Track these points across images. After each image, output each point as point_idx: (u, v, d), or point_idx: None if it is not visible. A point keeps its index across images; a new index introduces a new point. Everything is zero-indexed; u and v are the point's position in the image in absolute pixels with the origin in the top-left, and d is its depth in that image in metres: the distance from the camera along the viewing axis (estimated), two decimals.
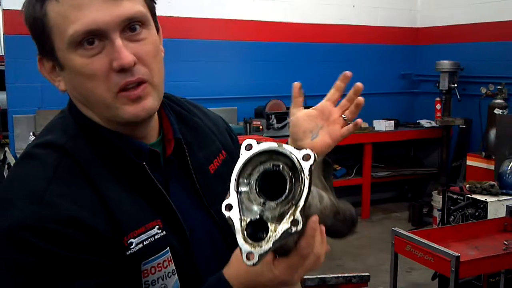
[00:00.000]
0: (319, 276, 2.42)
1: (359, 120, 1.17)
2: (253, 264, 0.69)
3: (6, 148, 4.90)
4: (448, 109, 5.78)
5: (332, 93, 1.21)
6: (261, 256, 0.69)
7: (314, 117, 1.16)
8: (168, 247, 0.92)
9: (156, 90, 0.91)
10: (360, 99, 1.20)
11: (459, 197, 3.60)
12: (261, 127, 5.25)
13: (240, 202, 0.72)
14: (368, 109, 6.42)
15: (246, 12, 5.60)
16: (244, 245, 0.70)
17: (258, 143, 0.73)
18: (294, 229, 0.69)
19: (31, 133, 4.18)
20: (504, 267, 2.90)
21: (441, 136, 5.96)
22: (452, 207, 3.59)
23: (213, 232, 1.02)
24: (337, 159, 6.05)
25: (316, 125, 1.14)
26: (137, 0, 0.88)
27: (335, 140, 1.13)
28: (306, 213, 0.74)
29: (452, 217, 3.57)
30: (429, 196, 5.79)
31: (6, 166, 4.47)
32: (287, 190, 0.71)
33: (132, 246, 0.88)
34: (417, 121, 6.43)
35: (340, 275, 2.46)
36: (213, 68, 5.43)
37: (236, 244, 0.75)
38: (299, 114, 1.17)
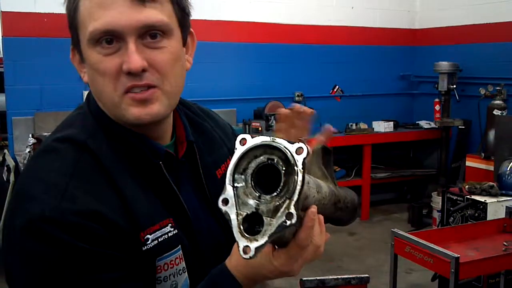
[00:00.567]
0: (318, 278, 2.41)
1: (328, 127, 1.24)
2: (250, 258, 0.70)
3: (5, 150, 4.90)
4: (447, 110, 5.78)
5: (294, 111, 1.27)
6: (257, 249, 0.70)
7: (282, 127, 1.25)
8: (180, 245, 0.95)
9: (166, 97, 0.92)
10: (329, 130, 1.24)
11: (458, 198, 3.60)
12: (260, 128, 5.25)
13: (236, 196, 0.73)
14: (367, 110, 6.47)
15: (244, 13, 5.60)
16: (240, 239, 0.71)
17: (252, 137, 0.74)
18: (288, 222, 0.71)
19: (30, 135, 4.17)
20: (504, 268, 2.90)
21: (441, 137, 5.96)
22: (451, 208, 3.59)
23: (218, 233, 1.05)
24: (337, 161, 6.05)
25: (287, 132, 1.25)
26: (165, 10, 0.90)
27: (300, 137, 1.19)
28: (303, 204, 0.75)
29: (452, 218, 3.57)
30: (428, 197, 5.78)
31: (5, 168, 4.47)
32: (281, 184, 0.72)
33: (148, 242, 0.90)
34: (416, 122, 6.43)
35: (339, 276, 2.45)
36: (212, 69, 5.42)
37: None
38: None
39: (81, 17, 0.89)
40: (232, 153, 1.12)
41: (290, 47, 5.88)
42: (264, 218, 0.72)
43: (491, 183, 3.62)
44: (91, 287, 0.83)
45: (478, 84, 5.62)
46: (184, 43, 0.97)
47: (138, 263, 0.89)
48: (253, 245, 0.71)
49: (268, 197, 0.73)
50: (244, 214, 0.72)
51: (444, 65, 5.68)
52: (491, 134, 5.04)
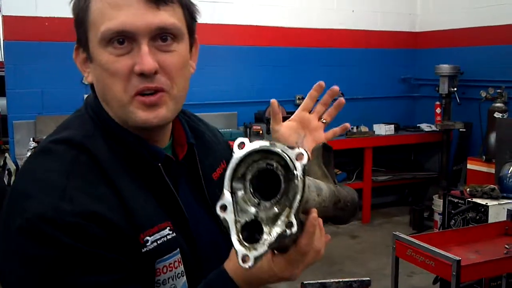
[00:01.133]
0: (319, 281, 2.41)
1: (346, 124, 1.24)
2: (249, 267, 0.68)
3: (6, 154, 4.91)
4: (448, 113, 5.78)
5: (307, 102, 1.25)
6: (256, 258, 0.68)
7: (295, 129, 1.19)
8: (178, 248, 0.94)
9: (173, 101, 0.92)
10: (340, 100, 1.23)
11: (459, 201, 3.59)
12: (261, 131, 5.25)
13: (234, 202, 0.71)
14: (368, 113, 6.47)
15: (246, 17, 5.61)
16: (239, 248, 0.69)
17: (251, 141, 0.71)
18: (289, 231, 0.68)
19: (31, 139, 4.18)
20: (505, 271, 2.90)
21: (441, 140, 5.95)
22: (453, 211, 3.58)
23: (217, 237, 1.04)
24: (338, 164, 6.04)
25: (299, 135, 1.18)
26: (176, 14, 0.91)
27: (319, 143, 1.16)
28: (303, 209, 0.73)
29: (453, 221, 3.56)
30: (429, 200, 5.78)
31: (6, 172, 4.47)
32: (281, 191, 0.70)
33: (148, 244, 0.89)
34: (417, 125, 6.43)
35: (340, 279, 2.45)
36: (212, 73, 5.43)
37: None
38: (281, 130, 1.20)
39: (93, 17, 0.89)
40: (223, 156, 1.14)
41: (291, 50, 5.89)
42: (263, 226, 0.69)
43: (492, 186, 3.62)
44: None
45: (479, 87, 5.62)
46: (191, 48, 0.98)
47: (137, 265, 0.88)
48: (252, 254, 0.68)
49: (267, 204, 0.70)
50: (243, 221, 0.70)
51: (445, 68, 5.69)
52: (492, 137, 5.04)
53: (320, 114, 1.24)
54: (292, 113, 5.10)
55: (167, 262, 0.92)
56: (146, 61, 0.86)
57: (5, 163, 4.69)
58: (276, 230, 0.69)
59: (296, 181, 0.69)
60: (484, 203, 3.46)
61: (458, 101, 5.66)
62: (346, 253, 4.92)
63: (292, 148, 0.70)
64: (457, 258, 2.41)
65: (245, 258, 0.68)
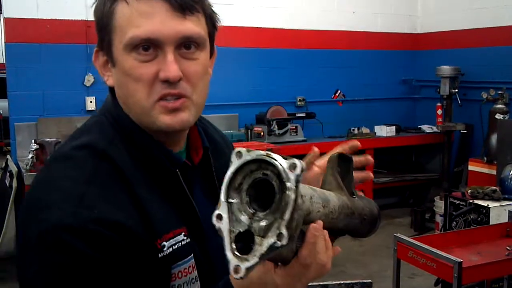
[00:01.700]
0: (321, 283, 2.41)
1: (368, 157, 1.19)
2: (241, 278, 0.68)
3: (8, 156, 4.91)
4: (449, 114, 5.78)
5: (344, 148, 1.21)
6: (248, 269, 0.68)
7: (316, 174, 1.16)
8: (192, 254, 0.95)
9: (194, 107, 0.94)
10: (368, 159, 1.17)
11: (461, 203, 3.59)
12: (262, 133, 5.25)
13: (230, 212, 0.71)
14: (369, 115, 6.46)
15: (246, 19, 5.62)
16: (231, 258, 0.69)
17: (248, 151, 0.71)
18: (279, 243, 0.67)
19: (33, 141, 4.18)
20: (507, 272, 2.89)
21: (443, 142, 5.95)
22: (454, 213, 3.58)
23: None
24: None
25: (317, 180, 1.19)
26: (200, 24, 0.93)
27: None
28: (305, 220, 0.73)
29: (454, 222, 3.56)
30: (431, 202, 5.77)
31: (8, 174, 4.48)
32: (274, 201, 0.69)
33: (164, 249, 0.91)
34: (418, 126, 6.43)
35: (342, 281, 2.45)
36: (214, 75, 5.38)
37: None
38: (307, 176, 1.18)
39: (118, 23, 0.90)
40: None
41: (292, 52, 5.90)
42: (255, 237, 0.69)
43: (493, 188, 3.61)
44: None
45: (480, 88, 5.62)
46: (211, 56, 1.00)
47: (154, 271, 0.89)
48: (244, 265, 0.68)
49: (261, 214, 0.70)
50: (237, 231, 0.70)
51: (446, 69, 5.69)
52: (493, 138, 5.04)
53: None
54: (293, 114, 5.11)
55: (182, 267, 0.93)
56: (172, 69, 0.88)
57: (6, 165, 4.70)
58: (268, 241, 0.68)
59: (288, 191, 0.68)
60: (485, 204, 3.45)
61: (459, 102, 5.66)
62: (348, 255, 4.92)
63: (287, 158, 0.69)
64: (459, 259, 2.41)
65: (236, 269, 0.68)
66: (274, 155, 0.70)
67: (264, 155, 0.70)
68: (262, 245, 0.68)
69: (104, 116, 0.98)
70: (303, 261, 0.77)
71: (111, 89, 0.98)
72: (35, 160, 4.04)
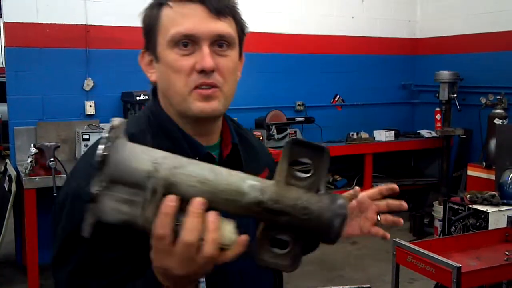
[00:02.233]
0: None
1: (387, 235, 1.27)
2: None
3: (7, 160, 4.91)
4: (448, 119, 5.79)
5: (375, 194, 1.30)
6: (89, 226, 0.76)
7: (352, 207, 1.26)
8: None
9: (224, 97, 1.07)
10: (402, 205, 1.28)
11: (460, 208, 3.59)
12: (261, 137, 5.25)
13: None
14: (368, 120, 6.45)
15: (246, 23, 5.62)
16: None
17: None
18: (94, 192, 0.75)
19: (32, 145, 4.18)
20: (506, 277, 2.89)
21: (442, 146, 5.96)
22: (453, 218, 3.58)
23: (251, 229, 1.08)
24: (338, 170, 6.05)
25: (351, 213, 1.25)
26: (232, 26, 1.08)
27: (363, 234, 1.28)
28: (169, 190, 0.74)
29: (453, 227, 3.56)
30: (430, 207, 5.77)
31: (7, 178, 4.48)
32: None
33: None
34: (417, 131, 6.44)
35: (341, 286, 2.45)
36: None
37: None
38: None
39: (163, 23, 1.06)
40: (267, 164, 1.24)
41: (291, 56, 5.91)
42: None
43: (492, 193, 3.62)
44: (97, 263, 0.95)
45: (478, 93, 5.64)
46: (240, 57, 1.14)
47: None
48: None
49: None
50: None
51: (444, 74, 5.70)
52: (492, 143, 5.05)
53: (379, 210, 1.29)
54: (292, 119, 5.12)
55: None
56: (207, 60, 1.02)
57: (5, 169, 4.70)
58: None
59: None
60: (484, 209, 3.46)
61: (458, 107, 5.67)
62: (346, 259, 4.92)
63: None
64: (458, 264, 2.41)
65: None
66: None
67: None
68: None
69: (143, 112, 1.15)
70: (154, 231, 0.75)
71: (153, 92, 1.15)
72: (34, 164, 4.04)
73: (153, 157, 0.77)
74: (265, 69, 5.78)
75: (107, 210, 0.75)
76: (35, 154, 4.05)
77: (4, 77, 4.91)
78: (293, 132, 5.53)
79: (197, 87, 1.04)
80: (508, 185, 3.72)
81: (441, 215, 4.09)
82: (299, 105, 5.94)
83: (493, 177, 4.68)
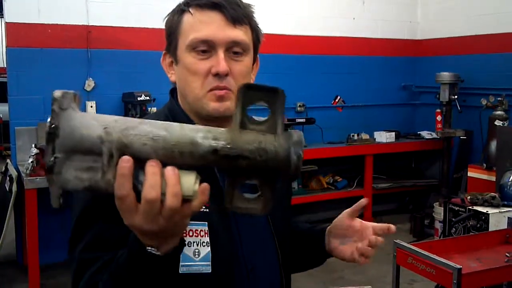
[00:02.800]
0: None
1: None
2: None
3: (8, 160, 4.92)
4: (448, 120, 5.79)
5: (381, 228, 1.37)
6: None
7: (355, 230, 1.34)
8: (207, 222, 1.10)
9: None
10: (391, 228, 1.38)
11: (460, 209, 3.59)
12: None
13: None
14: (369, 121, 6.45)
15: None
16: None
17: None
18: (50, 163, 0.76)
19: (33, 145, 4.19)
20: (506, 279, 2.89)
21: (442, 148, 5.96)
22: (453, 219, 3.58)
23: (263, 227, 1.22)
24: (339, 171, 6.05)
25: (351, 237, 1.35)
26: (247, 34, 1.16)
27: (350, 258, 1.35)
28: (126, 152, 0.75)
29: (454, 229, 3.56)
30: (430, 208, 5.78)
31: (8, 178, 4.48)
32: None
33: None
34: (418, 132, 6.44)
35: (341, 287, 2.45)
36: None
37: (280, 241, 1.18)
38: (345, 218, 1.35)
39: (183, 28, 1.14)
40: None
41: (292, 57, 5.91)
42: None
43: (493, 194, 3.62)
44: (111, 235, 0.99)
45: (479, 94, 5.64)
46: (253, 63, 1.22)
47: None
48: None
49: None
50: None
51: (445, 75, 5.70)
52: (493, 145, 5.05)
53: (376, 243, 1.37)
54: (293, 120, 5.12)
55: (193, 227, 1.09)
56: (222, 65, 1.10)
57: (6, 169, 4.70)
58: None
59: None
60: (484, 211, 3.46)
61: (459, 108, 5.67)
62: None
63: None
64: (458, 266, 2.41)
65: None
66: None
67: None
68: None
69: (162, 109, 1.25)
70: (115, 193, 0.75)
71: (171, 91, 1.24)
72: (35, 165, 4.04)
73: (103, 122, 0.77)
74: (266, 70, 5.72)
75: (70, 179, 0.76)
76: (36, 154, 4.06)
77: (5, 77, 4.93)
78: None
79: (212, 89, 1.12)
80: (508, 187, 3.72)
81: (442, 217, 4.09)
82: (299, 106, 5.94)
83: (493, 178, 4.68)
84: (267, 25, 6.09)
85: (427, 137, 6.25)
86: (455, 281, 2.39)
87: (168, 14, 1.19)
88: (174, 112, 1.20)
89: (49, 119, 0.77)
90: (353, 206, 1.35)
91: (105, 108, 4.94)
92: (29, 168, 4.05)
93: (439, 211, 5.15)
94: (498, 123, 5.13)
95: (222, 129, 0.79)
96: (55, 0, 4.74)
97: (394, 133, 6.12)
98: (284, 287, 1.28)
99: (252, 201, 0.80)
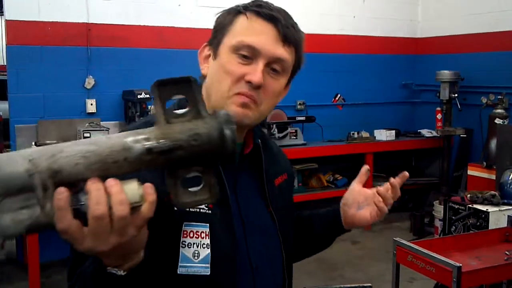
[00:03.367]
0: (320, 287, 2.42)
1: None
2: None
3: None
4: (448, 119, 5.79)
5: (387, 188, 1.40)
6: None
7: (367, 196, 1.39)
8: (208, 224, 1.09)
9: (258, 112, 1.14)
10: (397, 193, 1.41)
11: (460, 207, 3.59)
12: None
13: None
14: (369, 119, 6.44)
15: None
16: None
17: None
18: None
19: (33, 143, 4.19)
20: (506, 277, 2.89)
21: (442, 146, 5.96)
22: (453, 217, 3.58)
23: (268, 227, 1.23)
24: (338, 169, 6.05)
25: (365, 201, 1.39)
26: (291, 55, 1.17)
27: (371, 219, 1.37)
28: (58, 179, 0.72)
29: (454, 227, 3.56)
30: (430, 206, 5.78)
31: None
32: None
33: None
34: (418, 130, 6.44)
35: (341, 285, 2.45)
36: None
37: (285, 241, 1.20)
38: (357, 187, 1.43)
39: (234, 28, 1.13)
40: (286, 170, 1.35)
41: None
42: None
43: (493, 192, 3.61)
44: None
45: (479, 93, 5.64)
46: (286, 86, 1.22)
47: (169, 221, 1.03)
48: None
49: None
50: None
51: (445, 74, 5.70)
52: (493, 143, 5.05)
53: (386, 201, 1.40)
54: (293, 118, 5.11)
55: (194, 229, 1.08)
56: (258, 75, 1.10)
57: None
58: None
59: None
60: (484, 209, 3.46)
61: (459, 107, 5.67)
62: (347, 258, 4.92)
63: None
64: (458, 264, 2.41)
65: None
66: None
67: None
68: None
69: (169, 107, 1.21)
70: (58, 227, 0.73)
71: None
72: None
73: (27, 154, 0.72)
74: None
75: (8, 225, 0.71)
76: None
77: (5, 75, 4.92)
78: (293, 131, 5.53)
79: (238, 93, 1.11)
80: (508, 185, 3.72)
81: (442, 215, 4.10)
82: (300, 104, 5.94)
83: (493, 177, 4.69)
84: None
85: (427, 135, 6.25)
86: (454, 279, 2.39)
87: (223, 11, 1.19)
88: None
89: None
90: (359, 174, 1.43)
91: (105, 106, 4.95)
92: None
93: (439, 209, 5.15)
94: (498, 121, 5.13)
95: (149, 128, 0.77)
96: None
97: (394, 131, 6.12)
98: (287, 286, 1.29)
99: (198, 192, 0.79)
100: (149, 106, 4.70)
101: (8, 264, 4.81)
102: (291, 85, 1.26)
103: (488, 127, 5.32)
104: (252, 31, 1.11)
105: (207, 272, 1.07)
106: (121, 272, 0.83)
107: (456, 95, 5.67)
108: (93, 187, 0.72)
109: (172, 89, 0.80)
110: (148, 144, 0.75)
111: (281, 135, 5.37)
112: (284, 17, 1.15)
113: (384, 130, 6.09)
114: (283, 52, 1.13)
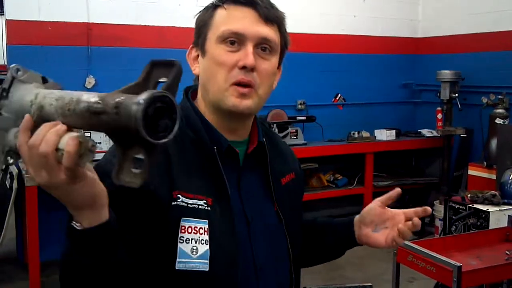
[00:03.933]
0: (321, 286, 2.42)
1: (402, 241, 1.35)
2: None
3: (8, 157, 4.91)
4: (449, 118, 5.79)
5: (410, 214, 1.36)
6: None
7: (386, 217, 1.35)
8: (207, 220, 1.09)
9: (258, 98, 1.16)
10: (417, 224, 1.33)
11: (460, 207, 3.59)
12: None
13: None
14: (369, 119, 6.45)
15: None
16: None
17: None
18: None
19: None
20: (506, 277, 2.89)
21: (443, 146, 5.96)
22: (453, 217, 3.58)
23: (275, 226, 1.23)
24: (339, 169, 6.05)
25: (383, 223, 1.35)
26: (277, 35, 1.18)
27: (386, 245, 1.33)
28: (43, 115, 0.84)
29: (454, 226, 3.56)
30: (430, 206, 5.76)
31: (8, 175, 4.48)
32: None
33: (178, 200, 1.08)
34: (418, 130, 6.43)
35: (342, 284, 2.45)
36: None
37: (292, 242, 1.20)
38: (378, 209, 1.36)
39: (215, 21, 1.16)
40: (294, 169, 1.34)
41: (292, 55, 5.84)
42: None
43: (493, 192, 3.61)
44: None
45: (480, 92, 5.63)
46: (278, 67, 1.23)
47: (166, 215, 1.05)
48: None
49: None
50: None
51: (446, 73, 5.69)
52: (493, 143, 5.04)
53: (407, 222, 1.34)
54: (293, 118, 5.12)
55: (192, 224, 1.08)
56: (249, 58, 1.11)
57: (7, 166, 4.70)
58: None
59: None
60: (485, 209, 3.46)
61: (459, 106, 5.66)
62: (347, 258, 4.89)
63: None
64: (458, 264, 2.41)
65: None
66: None
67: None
68: None
69: (180, 104, 1.19)
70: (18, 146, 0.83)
71: (185, 90, 1.24)
72: None
73: (39, 88, 0.89)
74: None
75: (11, 139, 0.88)
76: None
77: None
78: (294, 131, 5.53)
79: (235, 83, 1.12)
80: (509, 185, 3.72)
81: (442, 215, 4.09)
82: (300, 104, 5.94)
83: (494, 176, 4.68)
84: None
85: (427, 135, 6.24)
86: (455, 279, 2.39)
87: (200, 11, 1.22)
88: (185, 109, 1.18)
89: None
90: (386, 194, 1.36)
91: None
92: None
93: (439, 209, 5.15)
94: (498, 121, 5.12)
95: (110, 92, 0.79)
96: None
97: (394, 131, 6.12)
98: (294, 287, 1.28)
99: (137, 175, 0.81)
100: None
101: (8, 263, 4.81)
102: (282, 67, 1.29)
103: (489, 127, 5.31)
104: (233, 18, 1.14)
105: (206, 268, 1.07)
106: (79, 226, 0.87)
107: (456, 95, 5.67)
108: (47, 124, 0.80)
109: (161, 72, 0.84)
110: (92, 101, 0.78)
111: (281, 135, 5.37)
112: None
113: (385, 130, 6.08)
114: (267, 31, 1.15)
